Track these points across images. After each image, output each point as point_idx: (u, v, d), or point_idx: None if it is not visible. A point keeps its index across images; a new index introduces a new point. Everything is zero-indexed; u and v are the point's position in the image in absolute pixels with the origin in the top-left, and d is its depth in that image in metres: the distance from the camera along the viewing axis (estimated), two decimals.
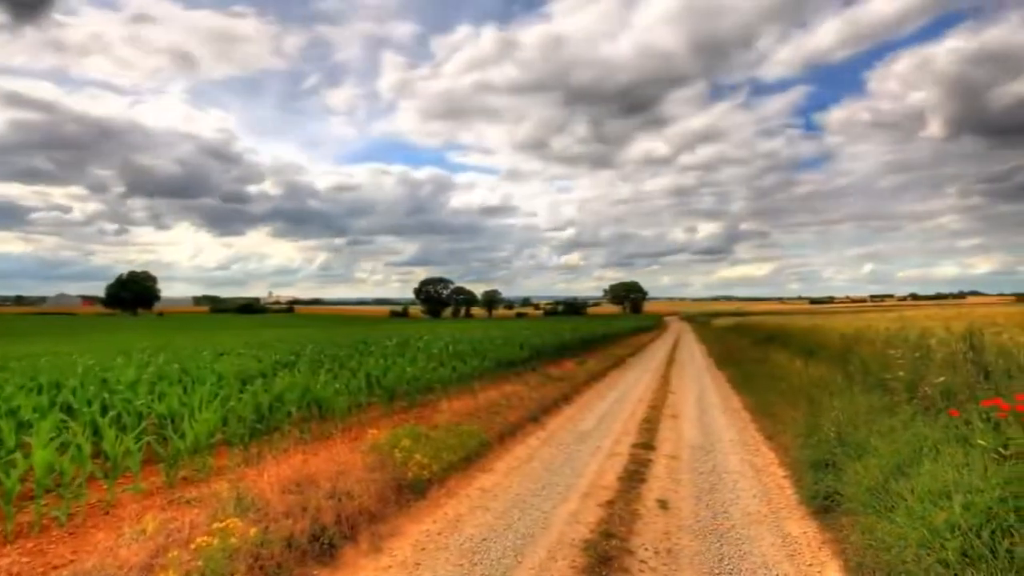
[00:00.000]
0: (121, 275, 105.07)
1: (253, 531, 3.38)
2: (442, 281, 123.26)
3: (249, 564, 3.20)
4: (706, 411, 9.39)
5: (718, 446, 6.96)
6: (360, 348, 13.32)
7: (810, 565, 3.70)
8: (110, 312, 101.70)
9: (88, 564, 3.11)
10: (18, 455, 4.15)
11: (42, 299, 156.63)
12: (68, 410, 6.04)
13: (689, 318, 77.86)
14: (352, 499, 4.24)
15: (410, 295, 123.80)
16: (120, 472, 4.62)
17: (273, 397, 6.39)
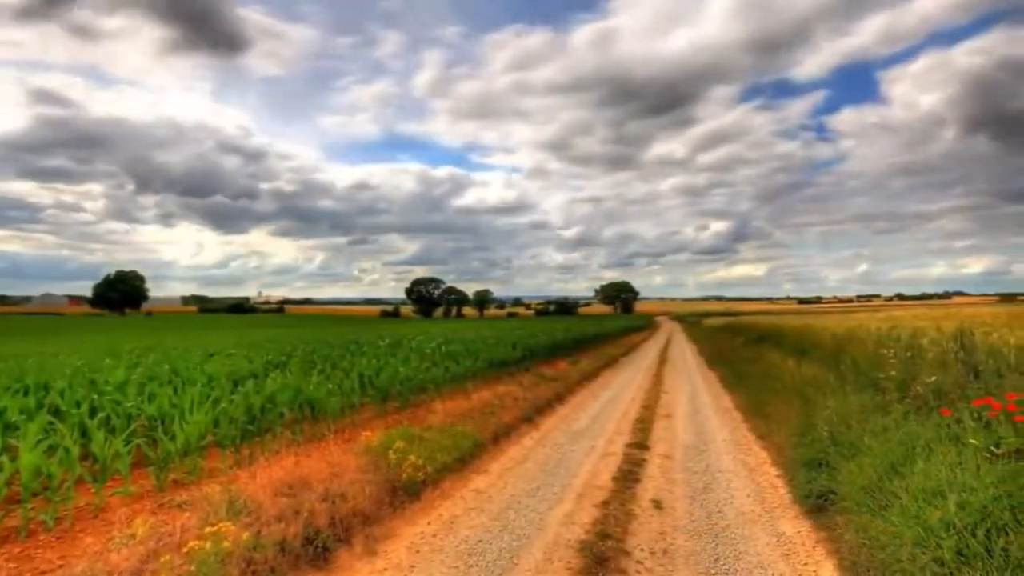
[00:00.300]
0: (109, 275, 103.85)
1: (246, 535, 3.34)
2: (433, 281, 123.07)
3: (242, 568, 3.16)
4: (699, 411, 9.43)
5: (711, 446, 6.99)
6: (352, 348, 13.24)
7: (805, 564, 3.71)
8: (97, 312, 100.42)
9: (77, 569, 3.05)
10: (4, 458, 4.06)
11: (27, 299, 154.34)
12: (56, 412, 5.94)
13: (680, 318, 78.25)
14: (346, 501, 4.20)
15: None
16: (109, 475, 4.54)
17: (265, 398, 6.33)
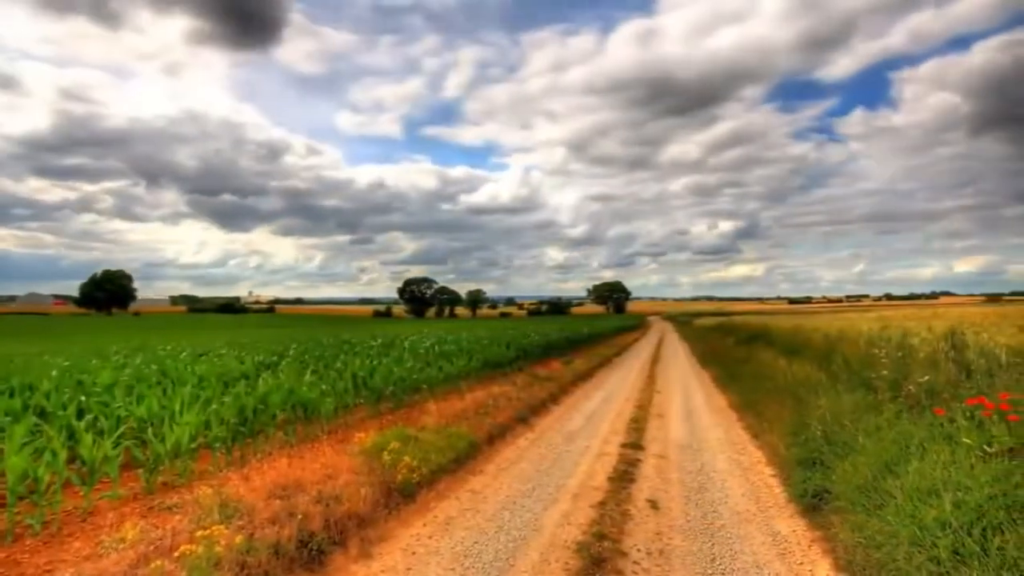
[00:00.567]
0: (95, 274, 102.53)
1: (239, 538, 3.28)
2: (426, 281, 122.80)
3: (235, 572, 3.11)
4: (692, 410, 9.45)
5: (705, 445, 7.00)
6: (345, 348, 13.15)
7: (800, 564, 3.72)
8: (83, 312, 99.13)
9: (66, 574, 2.99)
10: None
11: (11, 298, 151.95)
12: (42, 414, 5.83)
13: (672, 318, 78.60)
14: (340, 503, 4.16)
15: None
16: (97, 478, 4.46)
17: (257, 399, 6.25)
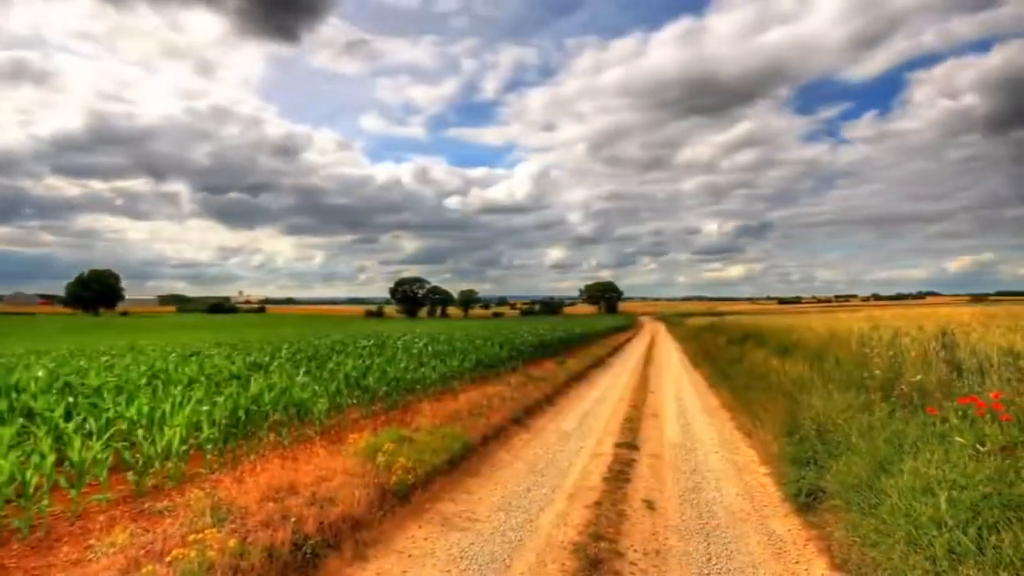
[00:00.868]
0: (82, 273, 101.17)
1: (232, 542, 3.24)
2: (418, 280, 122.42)
3: None
4: (685, 410, 9.49)
5: (699, 445, 7.03)
6: (338, 348, 13.07)
7: (796, 563, 3.73)
8: (70, 312, 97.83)
9: None
10: None
11: None
12: (29, 415, 5.73)
13: (664, 318, 78.97)
14: (334, 505, 4.12)
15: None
16: (86, 481, 4.39)
17: (249, 400, 6.18)
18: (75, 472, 4.33)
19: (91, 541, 3.48)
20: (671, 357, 20.71)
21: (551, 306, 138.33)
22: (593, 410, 9.43)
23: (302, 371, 8.42)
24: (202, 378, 7.70)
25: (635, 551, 3.94)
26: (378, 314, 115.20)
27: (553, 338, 19.99)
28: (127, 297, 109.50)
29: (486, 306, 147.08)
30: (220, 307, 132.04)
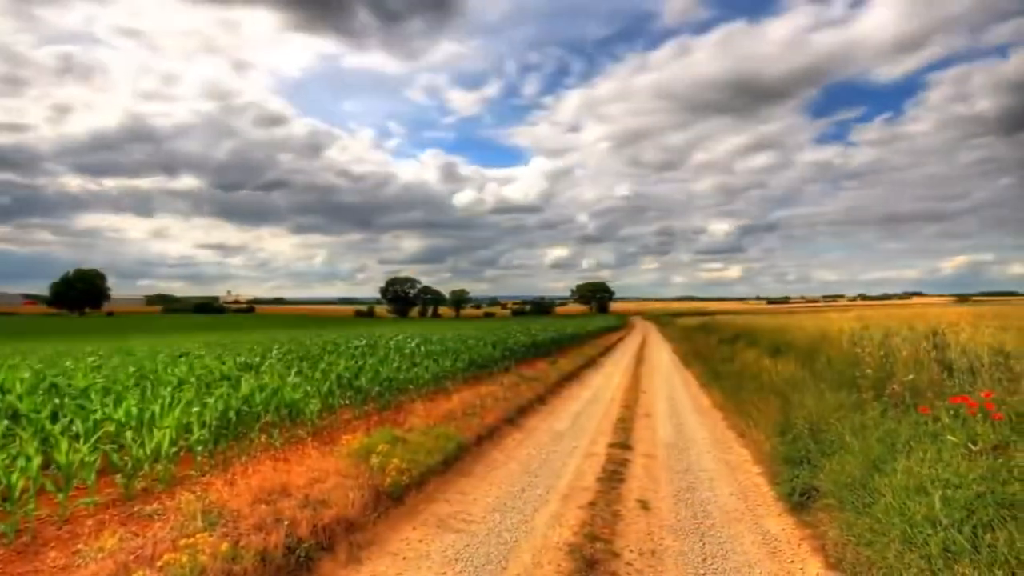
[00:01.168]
0: (68, 273, 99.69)
1: (224, 546, 3.19)
2: (409, 281, 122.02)
3: None
4: (678, 410, 9.52)
5: (692, 444, 7.05)
6: (329, 348, 12.97)
7: (791, 562, 3.75)
8: (55, 312, 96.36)
9: None
10: None
11: None
12: (14, 417, 5.61)
13: (654, 318, 79.33)
14: (328, 507, 4.07)
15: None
16: (74, 484, 4.30)
17: (240, 401, 6.10)
18: (62, 475, 4.24)
19: (79, 546, 3.41)
20: (662, 357, 20.79)
21: (542, 306, 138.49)
22: (586, 410, 9.43)
23: (293, 371, 8.34)
24: (192, 379, 7.60)
25: (631, 551, 3.93)
26: (369, 314, 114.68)
27: (545, 338, 20.00)
28: (113, 297, 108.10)
29: (478, 306, 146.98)
30: (208, 307, 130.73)
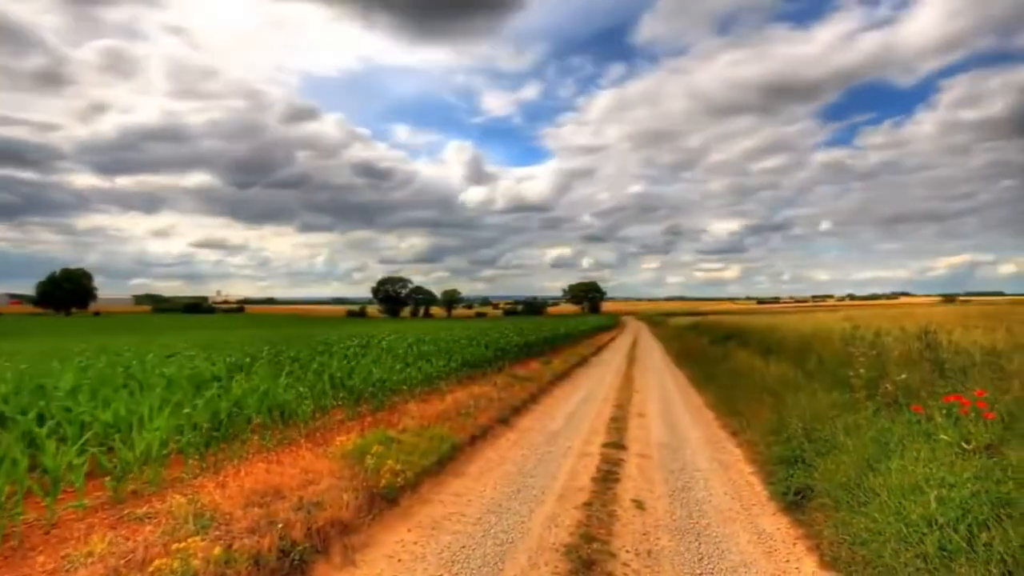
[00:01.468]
0: (54, 272, 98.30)
1: (217, 550, 3.14)
2: (401, 280, 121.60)
3: None
4: (671, 409, 9.54)
5: (686, 444, 7.06)
6: (321, 349, 12.87)
7: (787, 561, 3.76)
8: (40, 312, 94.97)
9: None
10: None
11: None
12: None
13: (646, 317, 79.67)
14: (322, 510, 4.03)
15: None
16: (61, 488, 4.22)
17: (231, 402, 6.03)
18: (49, 479, 4.16)
19: (68, 550, 3.34)
20: (654, 357, 20.86)
21: (534, 306, 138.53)
22: (579, 410, 9.43)
23: (285, 372, 8.26)
24: (182, 380, 7.50)
25: (627, 552, 3.93)
26: (360, 314, 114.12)
27: (538, 338, 19.99)
28: (101, 297, 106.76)
29: (469, 306, 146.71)
30: (197, 307, 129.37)
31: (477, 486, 5.37)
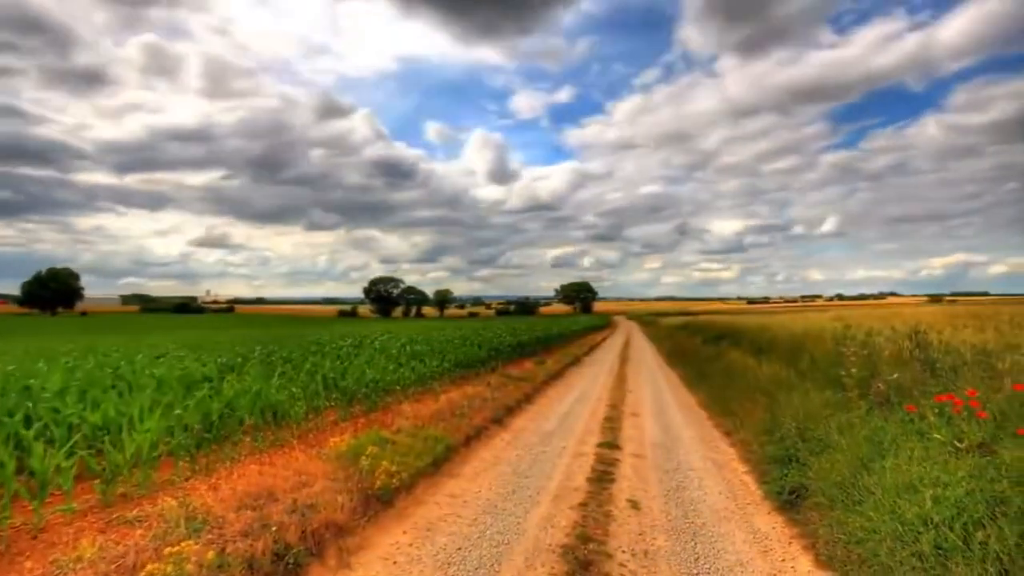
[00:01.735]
0: (40, 272, 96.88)
1: (210, 554, 3.09)
2: (392, 280, 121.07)
3: None
4: (664, 409, 9.56)
5: (680, 443, 7.08)
6: (314, 349, 12.77)
7: (783, 560, 3.77)
8: (26, 311, 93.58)
9: None
10: None
11: None
12: None
13: (637, 318, 79.96)
14: (316, 512, 3.99)
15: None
16: (49, 491, 4.15)
17: (223, 404, 5.96)
18: (37, 481, 4.09)
19: (56, 555, 3.27)
20: (647, 357, 20.93)
21: (527, 306, 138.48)
22: (573, 410, 9.42)
23: (277, 373, 8.19)
24: (172, 381, 7.41)
25: (623, 552, 3.92)
26: (352, 314, 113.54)
27: (531, 338, 19.99)
28: (88, 296, 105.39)
29: (461, 306, 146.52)
30: (186, 307, 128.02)
31: (472, 487, 5.34)
